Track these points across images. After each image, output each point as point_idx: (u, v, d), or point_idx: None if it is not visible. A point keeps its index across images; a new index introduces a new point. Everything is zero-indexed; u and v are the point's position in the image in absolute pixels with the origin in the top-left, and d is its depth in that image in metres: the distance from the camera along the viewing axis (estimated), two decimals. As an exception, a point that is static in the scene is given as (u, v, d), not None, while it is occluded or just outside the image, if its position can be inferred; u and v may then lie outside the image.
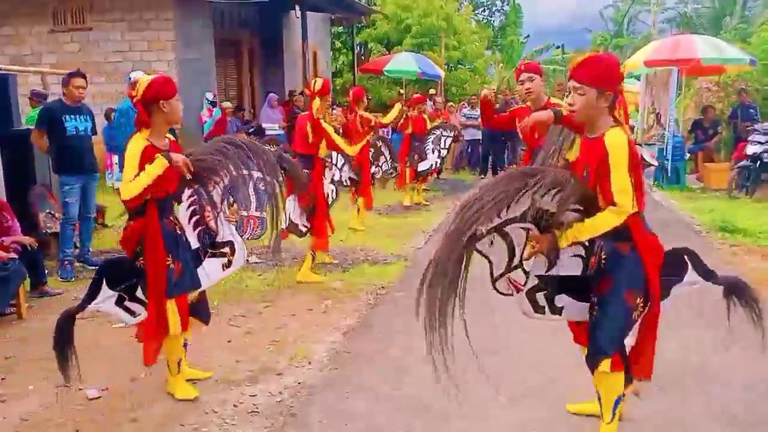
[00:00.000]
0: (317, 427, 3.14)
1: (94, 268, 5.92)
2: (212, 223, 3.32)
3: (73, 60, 10.55)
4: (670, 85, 10.48)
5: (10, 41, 11.53)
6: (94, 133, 5.93)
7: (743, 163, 9.47)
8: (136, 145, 3.11)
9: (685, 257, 2.68)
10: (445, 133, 9.55)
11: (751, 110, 10.96)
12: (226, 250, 3.32)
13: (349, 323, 4.52)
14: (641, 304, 2.53)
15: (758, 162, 9.28)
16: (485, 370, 3.67)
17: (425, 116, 9.69)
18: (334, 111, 11.26)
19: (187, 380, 3.48)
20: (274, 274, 5.56)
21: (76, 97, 5.64)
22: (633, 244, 2.49)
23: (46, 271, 5.32)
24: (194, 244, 3.31)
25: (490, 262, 2.52)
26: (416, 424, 3.12)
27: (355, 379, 3.63)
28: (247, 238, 3.41)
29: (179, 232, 3.26)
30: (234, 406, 3.32)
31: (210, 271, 3.35)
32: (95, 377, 3.60)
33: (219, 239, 3.33)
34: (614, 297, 2.51)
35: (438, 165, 9.91)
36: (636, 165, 2.44)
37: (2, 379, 3.71)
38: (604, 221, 2.41)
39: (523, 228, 2.48)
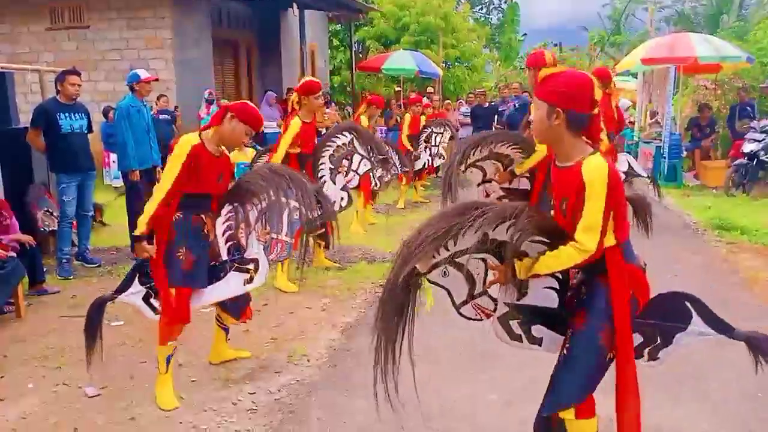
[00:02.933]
0: (316, 424, 3.16)
1: (92, 266, 5.94)
2: (242, 240, 3.43)
3: (71, 58, 10.54)
4: (668, 83, 10.50)
5: (6, 39, 11.50)
6: (90, 130, 5.90)
7: (740, 161, 9.49)
8: (187, 141, 3.23)
9: (688, 304, 2.37)
10: (435, 131, 9.40)
11: (748, 108, 10.97)
12: (251, 267, 3.40)
13: (347, 321, 4.54)
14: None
15: (755, 160, 9.31)
16: (478, 371, 3.70)
17: (419, 116, 9.56)
18: (328, 110, 11.21)
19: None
20: (272, 273, 5.57)
21: (72, 94, 5.63)
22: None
23: (45, 270, 5.33)
24: (223, 255, 3.40)
25: (447, 290, 2.39)
26: (413, 422, 3.13)
27: (354, 377, 3.64)
28: (272, 259, 3.58)
29: (205, 231, 3.35)
30: (233, 403, 3.34)
31: (232, 283, 3.43)
32: (94, 376, 3.61)
33: (246, 256, 3.43)
34: (587, 333, 2.27)
35: (430, 163, 9.68)
36: (619, 197, 2.19)
37: (1, 377, 3.72)
38: (565, 257, 2.18)
39: (479, 259, 2.34)
